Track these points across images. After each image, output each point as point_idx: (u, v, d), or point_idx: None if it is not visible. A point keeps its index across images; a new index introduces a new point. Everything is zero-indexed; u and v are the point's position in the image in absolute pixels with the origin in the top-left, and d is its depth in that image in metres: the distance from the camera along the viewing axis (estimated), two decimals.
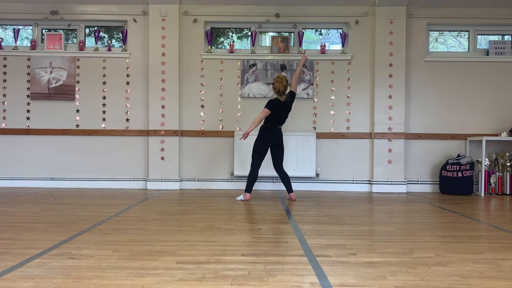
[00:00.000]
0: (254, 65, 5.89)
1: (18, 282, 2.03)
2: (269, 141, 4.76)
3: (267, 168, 5.59)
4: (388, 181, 5.76)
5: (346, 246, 2.79)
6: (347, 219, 3.75)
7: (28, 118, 5.98)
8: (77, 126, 5.98)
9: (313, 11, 5.88)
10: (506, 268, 2.34)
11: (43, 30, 6.11)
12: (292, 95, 4.83)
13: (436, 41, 6.23)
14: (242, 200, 4.75)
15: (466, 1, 5.74)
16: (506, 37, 6.09)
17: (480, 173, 5.64)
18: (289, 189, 4.87)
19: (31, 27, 6.12)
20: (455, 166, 5.56)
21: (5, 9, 5.90)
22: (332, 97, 5.92)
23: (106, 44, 6.10)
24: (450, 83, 5.91)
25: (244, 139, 4.70)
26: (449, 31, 6.17)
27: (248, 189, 4.78)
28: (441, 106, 5.91)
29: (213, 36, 6.11)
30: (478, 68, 5.90)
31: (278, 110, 4.70)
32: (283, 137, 4.95)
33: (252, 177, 4.76)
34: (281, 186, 5.63)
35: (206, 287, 1.99)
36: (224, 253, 2.56)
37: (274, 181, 5.81)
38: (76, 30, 6.11)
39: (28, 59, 5.96)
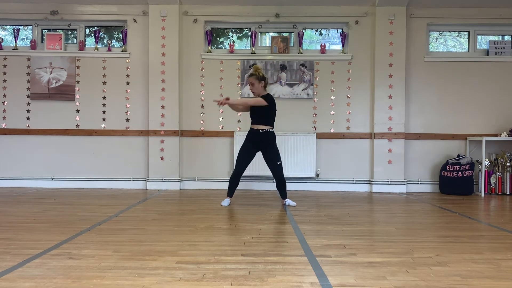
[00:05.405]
0: (254, 65, 5.88)
1: (18, 282, 2.03)
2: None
3: (267, 168, 5.59)
4: (388, 181, 5.76)
5: (346, 246, 2.79)
6: (347, 219, 3.75)
7: (28, 118, 5.98)
8: (77, 126, 5.98)
9: (313, 11, 5.88)
10: (506, 268, 2.33)
11: (43, 30, 6.11)
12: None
13: (436, 41, 6.23)
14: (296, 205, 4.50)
15: (466, 1, 5.74)
16: (506, 37, 6.09)
17: (480, 173, 5.64)
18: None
19: (31, 27, 6.12)
20: (455, 166, 5.56)
21: (5, 9, 5.91)
22: (332, 97, 5.92)
23: (106, 44, 6.10)
24: (450, 83, 5.91)
25: (219, 104, 4.21)
26: (449, 31, 6.17)
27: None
28: (441, 106, 5.91)
29: (213, 36, 6.11)
30: (478, 68, 5.90)
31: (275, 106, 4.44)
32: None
33: (284, 182, 4.53)
34: None
35: (206, 287, 1.99)
36: (224, 253, 2.56)
37: (274, 181, 5.80)
38: (76, 30, 6.11)
39: (28, 59, 5.96)
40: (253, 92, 4.47)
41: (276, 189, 5.27)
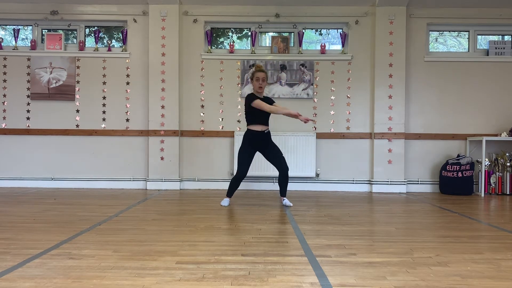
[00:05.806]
0: (254, 65, 5.89)
1: (18, 282, 2.03)
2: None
3: (268, 168, 5.60)
4: (388, 181, 5.76)
5: (346, 246, 2.79)
6: (347, 219, 3.75)
7: (28, 118, 5.98)
8: (77, 126, 5.98)
9: (313, 11, 5.88)
10: (506, 268, 2.33)
11: (43, 30, 6.11)
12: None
13: (436, 41, 6.23)
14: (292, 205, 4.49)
15: (466, 1, 5.74)
16: (506, 37, 6.09)
17: (480, 173, 5.64)
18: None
19: (31, 27, 6.12)
20: (455, 166, 5.56)
21: (5, 9, 5.91)
22: (332, 97, 5.92)
23: (106, 44, 6.10)
24: (450, 83, 5.91)
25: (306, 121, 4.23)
26: (449, 31, 6.17)
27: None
28: (441, 106, 5.91)
29: (213, 36, 6.11)
30: (478, 68, 5.90)
31: None
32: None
33: (288, 177, 4.54)
34: None
35: (206, 287, 1.99)
36: (224, 253, 2.56)
37: (274, 181, 5.81)
38: (76, 30, 6.11)
39: (28, 59, 5.96)
40: (260, 88, 4.38)
41: (275, 188, 5.22)
